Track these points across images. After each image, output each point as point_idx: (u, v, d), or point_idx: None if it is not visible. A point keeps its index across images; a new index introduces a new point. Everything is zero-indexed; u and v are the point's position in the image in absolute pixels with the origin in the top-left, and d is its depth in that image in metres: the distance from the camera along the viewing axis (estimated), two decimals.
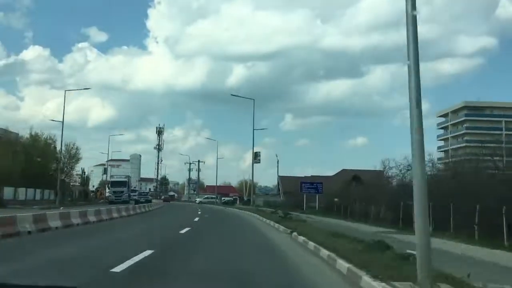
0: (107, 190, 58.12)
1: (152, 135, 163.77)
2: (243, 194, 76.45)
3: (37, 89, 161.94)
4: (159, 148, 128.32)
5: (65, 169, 52.54)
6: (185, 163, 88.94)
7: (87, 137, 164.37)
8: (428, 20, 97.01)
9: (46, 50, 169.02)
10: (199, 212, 35.83)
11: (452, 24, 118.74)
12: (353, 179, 43.99)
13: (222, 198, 73.61)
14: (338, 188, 41.11)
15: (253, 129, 47.42)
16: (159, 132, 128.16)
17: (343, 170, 54.70)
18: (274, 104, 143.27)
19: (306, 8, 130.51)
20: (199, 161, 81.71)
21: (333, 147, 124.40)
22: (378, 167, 36.61)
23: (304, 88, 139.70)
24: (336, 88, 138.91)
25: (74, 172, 61.97)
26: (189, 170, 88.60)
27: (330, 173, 58.54)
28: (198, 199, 75.91)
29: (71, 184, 59.61)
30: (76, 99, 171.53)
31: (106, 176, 77.64)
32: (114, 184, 56.70)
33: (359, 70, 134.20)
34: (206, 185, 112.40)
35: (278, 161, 56.64)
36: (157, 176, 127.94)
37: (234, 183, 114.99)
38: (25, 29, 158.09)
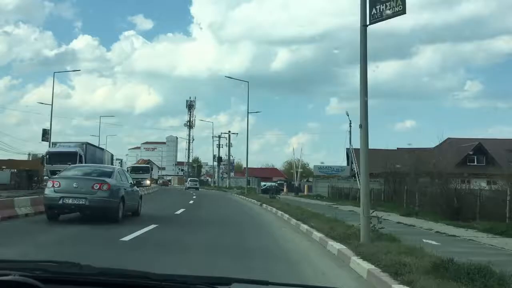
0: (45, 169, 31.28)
1: (197, 121, 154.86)
2: (293, 178, 54.34)
3: (87, 78, 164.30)
4: (190, 125, 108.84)
5: None
6: (213, 136, 68.39)
7: (135, 123, 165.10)
8: None
9: (95, 39, 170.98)
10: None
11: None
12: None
13: (263, 184, 52.15)
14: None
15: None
16: (190, 106, 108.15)
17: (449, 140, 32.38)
18: (318, 88, 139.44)
19: None
20: (229, 133, 61.22)
21: (381, 131, 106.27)
22: None
23: (350, 71, 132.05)
24: (384, 70, 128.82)
25: None
26: (218, 146, 68.11)
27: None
28: (188, 184, 59.53)
29: None
30: (124, 87, 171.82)
31: None
32: (53, 157, 30.17)
33: (408, 51, 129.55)
34: (244, 167, 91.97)
35: (350, 126, 34.82)
36: (188, 157, 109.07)
37: (278, 166, 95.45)
38: (75, 19, 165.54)
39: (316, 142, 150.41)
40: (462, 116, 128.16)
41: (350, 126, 35.87)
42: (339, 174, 37.15)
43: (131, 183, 13.30)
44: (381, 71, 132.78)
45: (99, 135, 62.81)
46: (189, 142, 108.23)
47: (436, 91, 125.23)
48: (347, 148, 43.32)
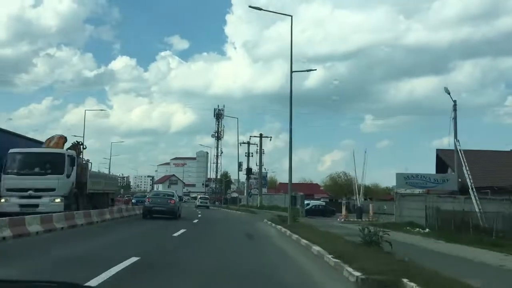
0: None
1: (232, 139, 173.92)
2: (342, 196, 39.82)
3: (124, 97, 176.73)
4: (218, 135, 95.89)
5: None
6: (240, 143, 54.31)
7: (170, 141, 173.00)
8: None
9: (133, 60, 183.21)
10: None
11: None
12: None
13: (307, 203, 37.99)
14: None
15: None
16: (218, 115, 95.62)
17: None
18: (353, 105, 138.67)
19: (387, 4, 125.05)
20: (261, 137, 47.50)
21: (417, 148, 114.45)
22: None
23: (385, 87, 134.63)
24: (420, 86, 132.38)
25: None
26: (248, 154, 54.55)
27: None
28: (197, 202, 54.57)
29: None
30: (160, 106, 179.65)
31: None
32: None
33: (446, 66, 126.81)
34: (279, 183, 78.01)
35: (454, 109, 20.70)
36: (216, 172, 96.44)
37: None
38: (114, 41, 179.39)
39: (350, 160, 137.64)
40: (503, 131, 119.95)
41: (455, 108, 21.72)
42: (437, 187, 23.14)
43: (179, 200, 27.35)
44: (416, 87, 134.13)
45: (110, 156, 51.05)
46: (217, 155, 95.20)
47: (475, 106, 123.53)
48: (439, 150, 29.04)
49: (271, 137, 55.78)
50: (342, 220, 29.22)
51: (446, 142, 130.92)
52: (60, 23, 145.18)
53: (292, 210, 37.33)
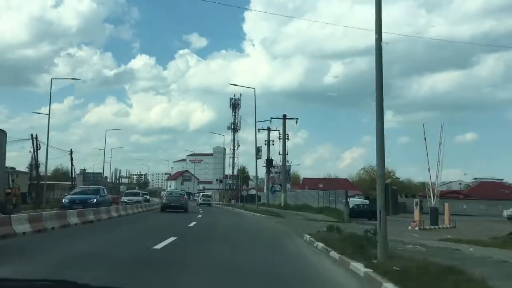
0: None
1: (250, 136, 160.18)
2: (387, 195, 29.92)
3: (144, 96, 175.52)
4: (234, 127, 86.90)
5: None
6: (259, 129, 44.39)
7: (189, 139, 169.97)
8: None
9: (152, 59, 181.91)
10: None
11: None
12: None
13: (352, 203, 28.37)
14: None
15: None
16: (234, 106, 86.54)
17: None
18: (373, 101, 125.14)
19: None
20: (284, 118, 37.98)
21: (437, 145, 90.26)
22: None
23: (406, 83, 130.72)
24: (442, 81, 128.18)
25: None
26: (268, 143, 44.66)
27: None
28: (199, 199, 53.27)
29: None
30: (179, 104, 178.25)
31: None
32: None
33: (468, 60, 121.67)
34: (303, 178, 68.51)
35: None
36: (233, 166, 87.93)
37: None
38: (133, 40, 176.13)
39: (372, 156, 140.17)
40: None
41: None
42: None
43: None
44: (439, 81, 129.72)
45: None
46: (233, 148, 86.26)
47: (498, 101, 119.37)
48: None
49: (297, 119, 45.81)
50: (416, 227, 19.63)
51: (469, 137, 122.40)
52: (81, 23, 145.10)
53: (333, 212, 27.83)
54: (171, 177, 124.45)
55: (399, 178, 66.42)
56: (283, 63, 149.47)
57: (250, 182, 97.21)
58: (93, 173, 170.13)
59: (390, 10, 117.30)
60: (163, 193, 55.07)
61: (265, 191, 50.72)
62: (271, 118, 44.10)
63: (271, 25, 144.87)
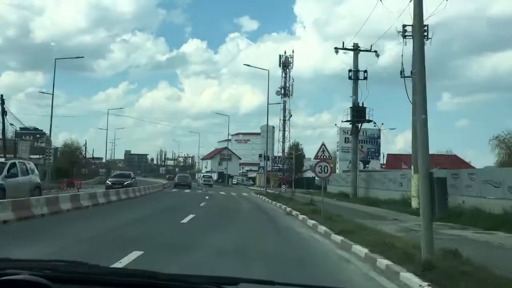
0: None
1: (300, 119, 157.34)
2: None
3: (195, 80, 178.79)
4: (284, 91, 66.69)
5: None
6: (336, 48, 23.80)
7: (239, 122, 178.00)
8: None
9: (203, 43, 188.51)
10: None
11: None
12: None
13: None
14: None
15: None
16: (285, 65, 65.84)
17: None
18: (429, 82, 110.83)
19: None
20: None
21: (500, 127, 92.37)
22: None
23: (465, 63, 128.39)
24: (505, 61, 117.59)
25: None
26: (355, 72, 24.42)
27: None
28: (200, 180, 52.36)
29: None
30: (229, 88, 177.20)
31: None
32: None
33: None
34: (387, 154, 47.29)
35: None
36: (283, 141, 68.47)
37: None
38: (185, 24, 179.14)
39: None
40: None
41: None
42: None
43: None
44: (503, 61, 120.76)
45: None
46: (284, 119, 66.07)
47: None
48: None
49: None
50: None
51: None
52: (135, 9, 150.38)
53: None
54: (206, 156, 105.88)
55: None
56: (336, 45, 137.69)
57: (305, 163, 76.83)
58: (138, 154, 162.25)
59: None
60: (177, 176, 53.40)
61: (337, 170, 30.15)
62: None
63: (323, 6, 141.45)
